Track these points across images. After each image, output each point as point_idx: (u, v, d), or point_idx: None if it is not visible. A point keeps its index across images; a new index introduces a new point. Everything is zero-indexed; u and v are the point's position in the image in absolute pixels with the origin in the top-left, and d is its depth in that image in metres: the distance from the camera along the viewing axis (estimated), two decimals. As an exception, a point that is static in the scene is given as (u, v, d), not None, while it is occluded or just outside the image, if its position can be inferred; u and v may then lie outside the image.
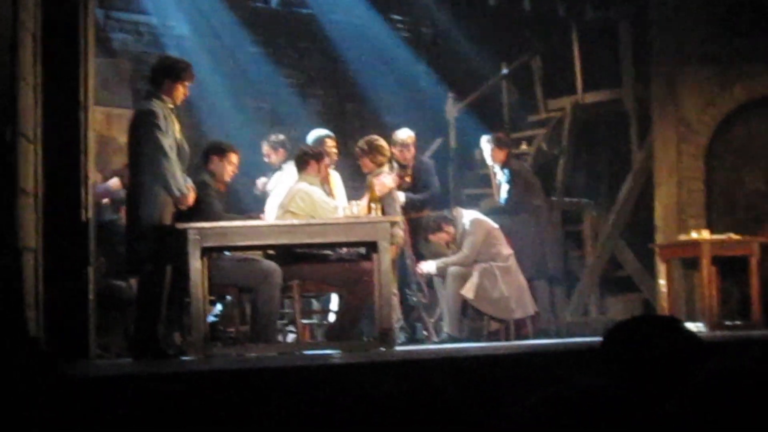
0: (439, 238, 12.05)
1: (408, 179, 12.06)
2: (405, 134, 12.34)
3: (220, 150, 10.37)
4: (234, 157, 10.39)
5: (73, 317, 9.03)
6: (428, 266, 11.96)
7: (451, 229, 12.00)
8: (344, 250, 10.58)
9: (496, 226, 12.18)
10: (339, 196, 11.23)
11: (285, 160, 12.05)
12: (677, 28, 15.14)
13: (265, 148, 12.37)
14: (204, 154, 10.32)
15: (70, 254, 9.07)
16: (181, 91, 9.37)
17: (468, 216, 12.27)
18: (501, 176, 13.09)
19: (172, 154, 9.04)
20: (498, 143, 13.11)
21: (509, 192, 12.86)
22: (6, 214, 7.05)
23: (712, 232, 13.65)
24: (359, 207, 10.39)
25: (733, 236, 13.40)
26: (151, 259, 9.11)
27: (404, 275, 12.01)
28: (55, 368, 6.72)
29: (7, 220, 7.07)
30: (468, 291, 11.75)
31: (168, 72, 9.39)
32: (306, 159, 10.64)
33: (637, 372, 2.94)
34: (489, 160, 13.34)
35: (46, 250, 8.09)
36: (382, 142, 11.41)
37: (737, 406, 1.48)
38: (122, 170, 10.72)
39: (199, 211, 9.63)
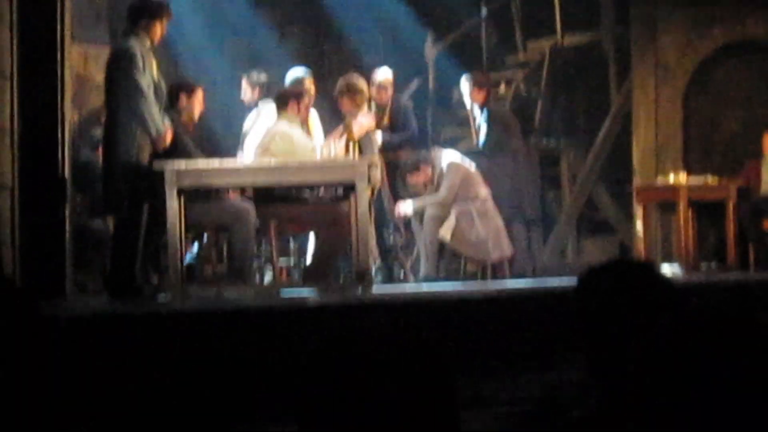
0: (416, 178, 12.02)
1: (386, 120, 12.00)
2: (383, 75, 12.29)
3: (187, 88, 10.34)
4: (201, 95, 10.37)
5: (49, 255, 9.03)
6: (406, 207, 11.94)
7: (428, 169, 11.98)
8: (322, 190, 10.57)
9: (473, 167, 12.18)
10: (317, 135, 11.19)
11: (260, 99, 11.97)
12: (657, -29, 15.12)
13: (244, 84, 12.28)
14: (171, 93, 10.25)
15: (47, 192, 9.05)
16: (159, 30, 9.32)
17: (446, 157, 12.26)
18: (479, 117, 13.06)
19: (150, 93, 9.00)
20: (478, 84, 13.08)
21: (488, 134, 12.83)
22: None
23: (689, 175, 13.68)
24: (337, 148, 10.37)
25: (710, 180, 13.43)
26: (127, 198, 9.08)
27: (381, 216, 12.00)
28: (31, 307, 6.71)
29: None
30: (445, 232, 11.76)
31: (146, 10, 9.33)
32: (286, 99, 10.62)
33: (610, 316, 2.95)
34: (468, 101, 13.31)
35: (21, 188, 8.06)
36: (362, 83, 11.37)
37: (701, 349, 1.47)
38: (99, 110, 10.67)
39: (173, 150, 9.60)
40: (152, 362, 6.14)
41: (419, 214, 11.93)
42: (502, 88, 16.34)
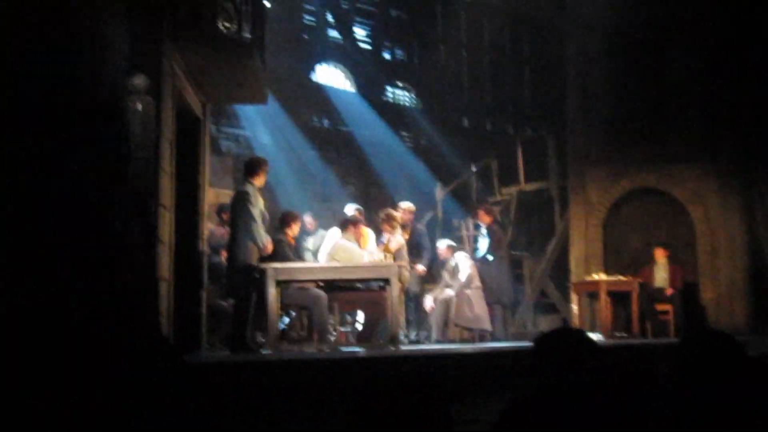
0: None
1: (407, 236, 11.88)
2: (408, 204, 12.31)
3: (294, 217, 10.45)
4: (299, 222, 10.53)
5: (191, 324, 9.04)
6: (428, 301, 11.92)
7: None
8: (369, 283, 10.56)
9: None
10: (371, 246, 11.14)
11: (317, 227, 12.12)
12: (585, 142, 15.17)
13: (309, 218, 12.44)
14: (284, 219, 10.36)
15: (191, 283, 9.09)
16: (263, 178, 9.40)
17: (459, 256, 12.27)
18: (484, 233, 13.00)
19: (259, 220, 9.06)
20: (486, 210, 13.13)
21: (490, 244, 12.79)
22: (149, 257, 7.07)
23: (607, 274, 13.62)
24: (379, 256, 10.39)
25: (621, 278, 13.36)
26: (243, 286, 9.10)
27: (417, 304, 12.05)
28: (178, 357, 6.71)
29: (150, 261, 7.09)
30: (451, 312, 11.75)
31: (254, 164, 9.43)
32: (347, 224, 10.72)
33: (556, 366, 2.93)
34: (479, 221, 13.33)
35: (175, 280, 8.10)
36: (395, 214, 11.41)
37: (617, 388, 1.47)
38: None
39: (277, 257, 9.66)
40: (258, 395, 6.10)
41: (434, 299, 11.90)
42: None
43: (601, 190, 14.97)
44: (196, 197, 9.44)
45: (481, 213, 13.07)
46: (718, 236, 14.38)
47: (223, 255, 10.58)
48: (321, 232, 11.76)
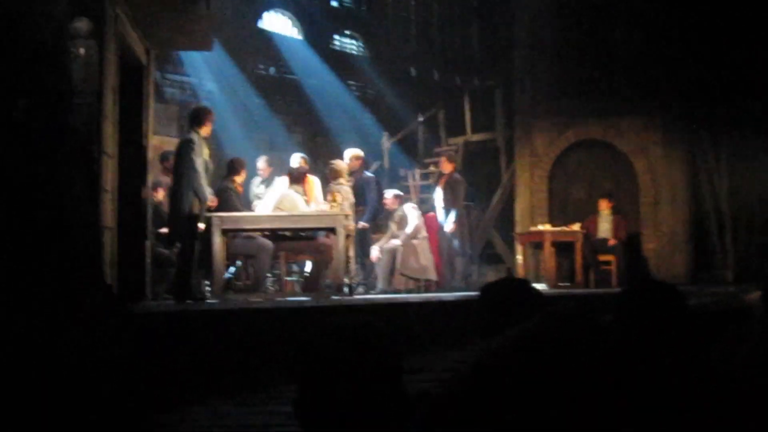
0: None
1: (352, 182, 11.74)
2: (354, 151, 12.17)
3: (242, 164, 10.38)
4: (246, 169, 10.49)
5: (136, 273, 8.98)
6: (374, 251, 11.91)
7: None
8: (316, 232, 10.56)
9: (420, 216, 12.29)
10: (317, 194, 11.10)
11: (271, 174, 11.96)
12: (532, 93, 15.24)
13: (263, 163, 12.26)
14: (231, 166, 10.30)
15: (135, 232, 9.01)
16: (209, 127, 9.30)
17: (407, 207, 12.29)
18: (440, 184, 12.93)
19: (201, 170, 8.97)
20: (449, 158, 13.02)
21: (445, 196, 12.67)
22: (93, 206, 6.98)
23: (552, 225, 13.77)
24: (325, 206, 10.38)
25: (565, 228, 13.52)
26: (186, 236, 9.06)
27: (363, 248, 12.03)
28: (123, 306, 6.67)
29: (94, 209, 7.00)
30: (397, 262, 11.82)
31: (201, 113, 9.32)
32: (296, 176, 10.65)
33: (499, 315, 2.95)
34: (441, 169, 13.23)
35: (119, 229, 8.02)
36: (341, 165, 11.35)
37: (560, 336, 1.48)
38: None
39: (224, 205, 9.62)
40: (202, 343, 6.10)
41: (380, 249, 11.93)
42: (432, 167, 16.41)
43: (546, 141, 15.07)
44: (140, 145, 9.32)
45: (444, 160, 12.99)
46: (660, 188, 14.59)
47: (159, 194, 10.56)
48: (276, 179, 11.62)
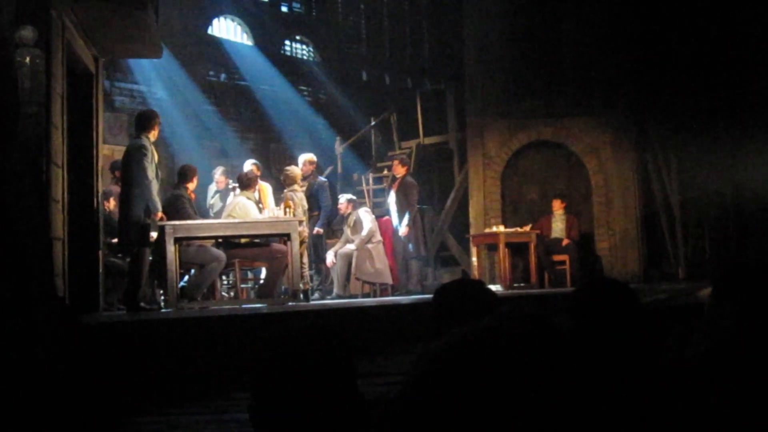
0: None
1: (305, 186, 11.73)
2: (308, 156, 12.18)
3: (194, 171, 10.28)
4: (197, 176, 10.39)
5: (88, 284, 8.87)
6: (329, 256, 11.91)
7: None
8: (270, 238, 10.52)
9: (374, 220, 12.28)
10: (270, 202, 11.08)
11: (227, 185, 11.93)
12: (483, 95, 15.29)
13: (219, 175, 12.25)
14: (182, 173, 10.19)
15: (87, 242, 8.91)
16: (156, 131, 9.23)
17: (361, 211, 12.27)
18: (393, 188, 12.89)
19: (153, 178, 8.89)
20: (402, 162, 12.94)
21: (397, 200, 12.60)
22: (42, 217, 6.89)
23: (505, 226, 13.84)
24: (279, 212, 10.34)
25: (519, 229, 13.59)
26: (137, 244, 8.97)
27: (318, 254, 12.01)
28: (75, 318, 6.59)
29: (43, 220, 6.91)
30: (352, 267, 11.80)
31: (148, 117, 9.24)
32: (246, 182, 10.56)
33: (454, 317, 2.95)
34: (393, 173, 13.18)
35: (69, 239, 7.92)
36: (295, 170, 11.31)
37: (513, 336, 1.49)
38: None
39: (176, 212, 9.54)
40: (157, 352, 6.05)
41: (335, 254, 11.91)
42: (386, 171, 16.41)
43: (498, 142, 15.14)
44: (90, 154, 9.20)
45: (396, 164, 12.94)
46: (612, 187, 14.74)
47: (110, 204, 10.46)
48: (232, 195, 11.56)
